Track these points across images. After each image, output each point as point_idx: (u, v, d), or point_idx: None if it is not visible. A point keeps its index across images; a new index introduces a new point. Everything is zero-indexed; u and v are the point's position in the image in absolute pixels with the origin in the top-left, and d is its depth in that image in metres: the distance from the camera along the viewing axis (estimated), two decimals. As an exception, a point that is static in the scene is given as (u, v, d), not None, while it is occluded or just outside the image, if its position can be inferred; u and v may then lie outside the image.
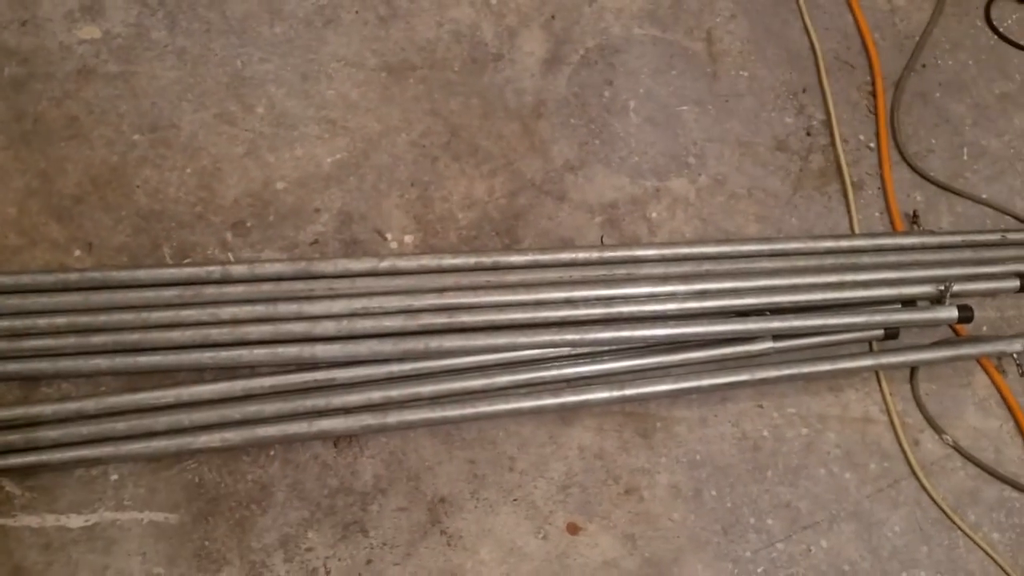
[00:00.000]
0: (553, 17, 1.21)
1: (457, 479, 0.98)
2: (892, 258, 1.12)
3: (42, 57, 1.11)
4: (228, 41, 1.15)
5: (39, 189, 1.05)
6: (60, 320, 0.97)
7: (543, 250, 1.05)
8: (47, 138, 1.07)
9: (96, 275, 1.00)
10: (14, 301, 0.98)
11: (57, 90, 1.09)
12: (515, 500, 0.98)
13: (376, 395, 0.97)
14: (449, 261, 1.03)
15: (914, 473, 1.05)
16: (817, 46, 1.26)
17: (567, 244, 1.10)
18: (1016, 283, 1.10)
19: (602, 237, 1.12)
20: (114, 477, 0.93)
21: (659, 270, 1.06)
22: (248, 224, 1.07)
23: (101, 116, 1.09)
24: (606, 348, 1.03)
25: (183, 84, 1.12)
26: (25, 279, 0.99)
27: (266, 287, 1.01)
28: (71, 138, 1.07)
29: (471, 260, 1.03)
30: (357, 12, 1.17)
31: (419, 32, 1.17)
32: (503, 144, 1.14)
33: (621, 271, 1.05)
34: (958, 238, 1.16)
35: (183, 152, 1.09)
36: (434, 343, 0.98)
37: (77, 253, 1.04)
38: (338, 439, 0.98)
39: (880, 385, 1.09)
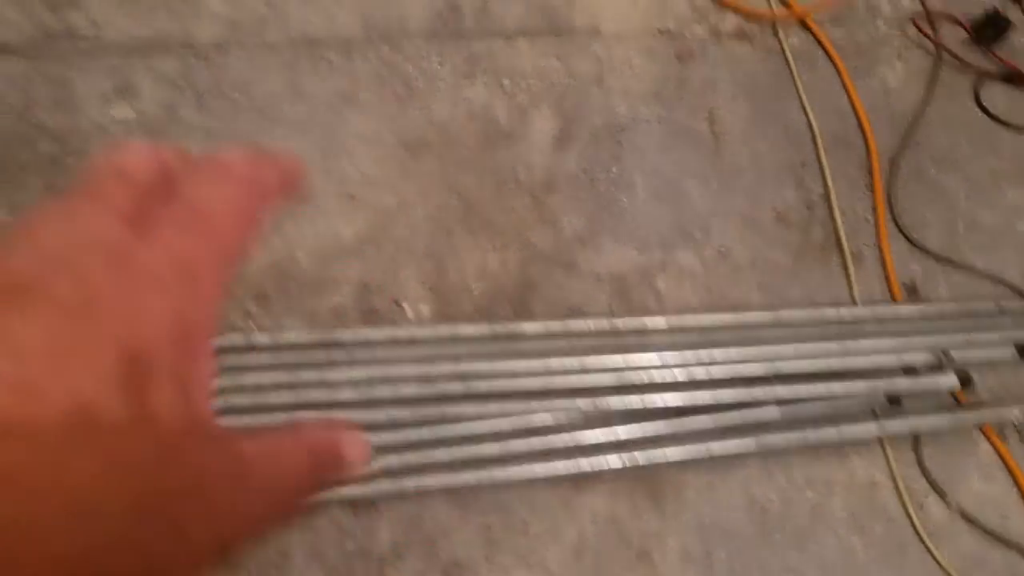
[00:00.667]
0: (563, 98, 1.27)
1: (472, 543, 1.00)
2: (892, 327, 1.15)
3: (77, 135, 1.16)
4: (253, 120, 1.20)
5: (70, 261, 1.09)
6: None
7: (555, 319, 1.09)
8: (79, 212, 1.11)
9: (124, 343, 1.03)
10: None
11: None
12: (529, 565, 1.00)
13: (393, 460, 1.00)
14: (464, 330, 1.07)
15: (920, 538, 1.07)
16: (815, 125, 1.31)
17: (578, 313, 1.14)
18: (1013, 351, 1.13)
19: (611, 307, 1.15)
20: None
21: (667, 338, 1.09)
22: (270, 295, 1.10)
23: (131, 191, 1.14)
24: (617, 414, 1.06)
25: (210, 161, 1.17)
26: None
27: (288, 355, 1.04)
28: (102, 212, 1.12)
29: (485, 329, 1.07)
30: (376, 93, 1.23)
31: (435, 111, 1.23)
32: (515, 218, 1.18)
33: (631, 339, 1.08)
34: (955, 308, 1.19)
35: (209, 225, 1.13)
36: (450, 410, 1.01)
37: (105, 322, 1.07)
38: (356, 503, 1.00)
39: (885, 451, 1.11)
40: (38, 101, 1.18)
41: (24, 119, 1.16)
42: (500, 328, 1.07)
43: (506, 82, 1.27)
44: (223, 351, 1.03)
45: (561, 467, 1.01)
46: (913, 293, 1.23)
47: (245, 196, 0.27)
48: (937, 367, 1.11)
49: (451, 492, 1.02)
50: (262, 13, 1.28)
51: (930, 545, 1.07)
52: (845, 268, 1.23)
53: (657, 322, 1.10)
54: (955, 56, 1.40)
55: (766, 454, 1.08)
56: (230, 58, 1.25)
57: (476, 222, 1.17)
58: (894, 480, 1.10)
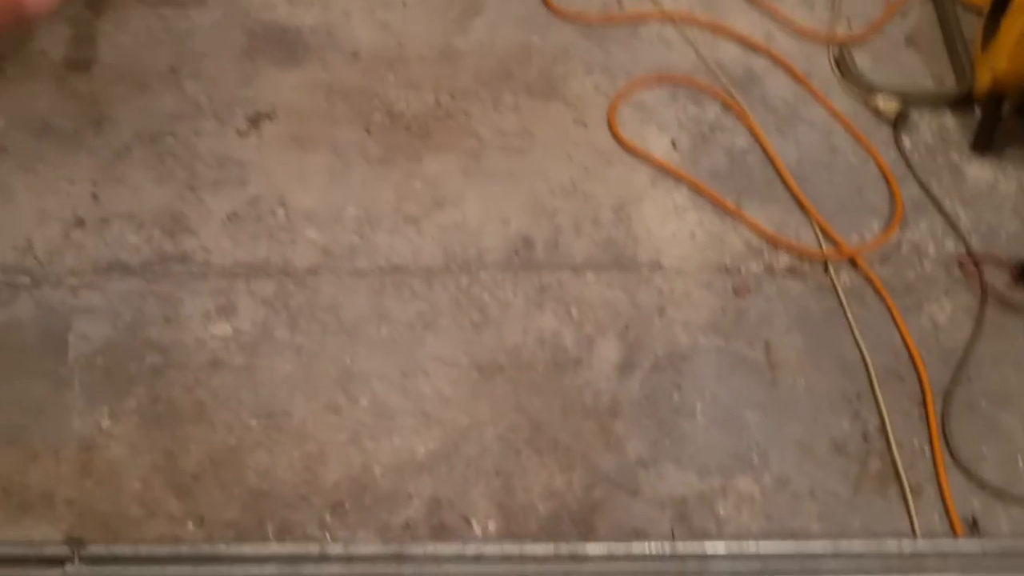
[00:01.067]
0: (627, 327, 1.36)
1: None
2: (955, 562, 1.16)
3: (179, 349, 1.27)
4: (340, 340, 1.30)
5: (164, 466, 1.17)
6: (170, 591, 1.05)
7: (618, 541, 1.12)
8: (176, 420, 1.20)
9: (206, 548, 1.09)
10: (131, 570, 1.06)
11: (189, 378, 1.24)
12: None
13: None
14: (530, 549, 1.10)
15: None
16: (867, 358, 1.37)
17: (640, 536, 1.17)
18: (1081, 594, 1.12)
19: (673, 531, 1.18)
20: None
21: (728, 566, 1.11)
22: (346, 506, 1.16)
23: (224, 402, 1.23)
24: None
25: (298, 377, 1.26)
26: (142, 550, 1.08)
27: (359, 567, 1.08)
28: (197, 421, 1.21)
29: (550, 549, 1.10)
30: (453, 318, 1.33)
31: (507, 337, 1.32)
32: (581, 440, 1.24)
33: (692, 565, 1.11)
34: (1020, 545, 1.19)
35: (293, 437, 1.21)
36: (515, 629, 1.03)
37: (190, 526, 1.13)
38: None
39: None
40: (148, 317, 1.30)
41: (135, 333, 1.28)
42: (564, 548, 1.10)
43: (574, 311, 1.37)
44: (297, 559, 1.08)
45: None
46: (974, 528, 1.24)
47: None
48: (1003, 607, 1.10)
49: None
50: (353, 242, 1.41)
51: None
52: (904, 500, 1.25)
53: (717, 547, 1.13)
54: (1000, 296, 1.47)
55: None
56: (321, 282, 1.37)
57: (544, 443, 1.23)
58: None
